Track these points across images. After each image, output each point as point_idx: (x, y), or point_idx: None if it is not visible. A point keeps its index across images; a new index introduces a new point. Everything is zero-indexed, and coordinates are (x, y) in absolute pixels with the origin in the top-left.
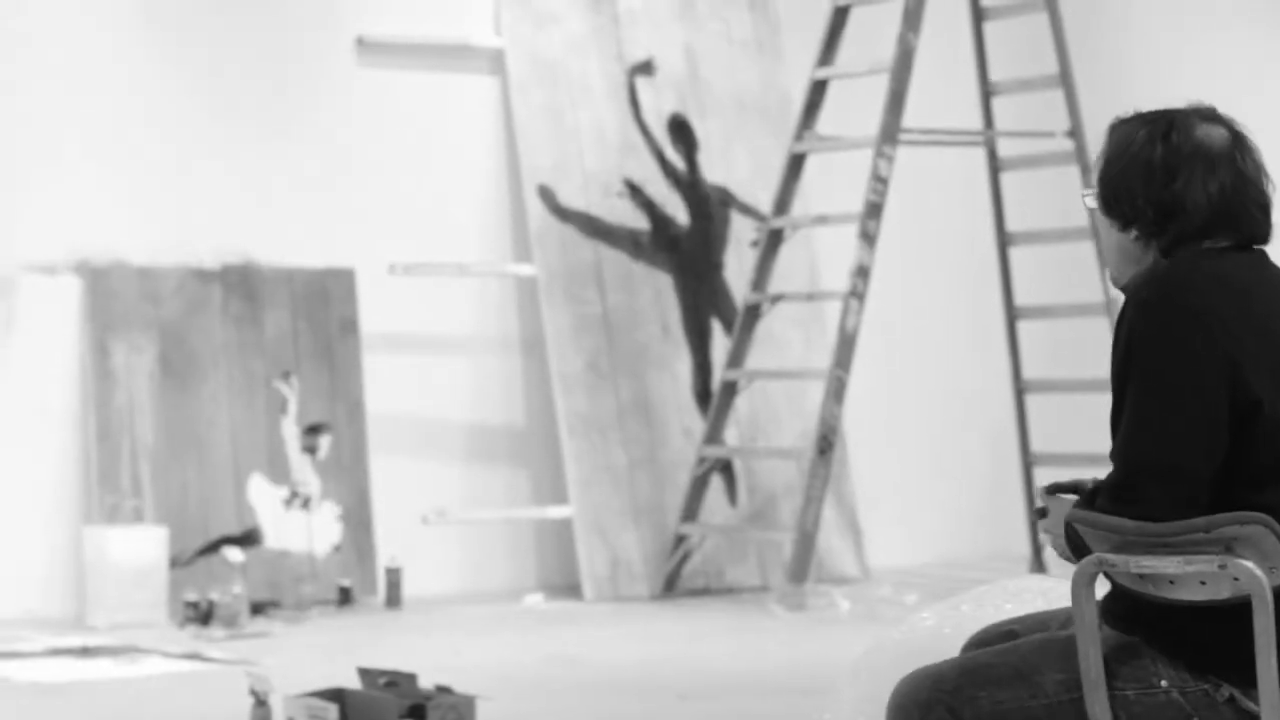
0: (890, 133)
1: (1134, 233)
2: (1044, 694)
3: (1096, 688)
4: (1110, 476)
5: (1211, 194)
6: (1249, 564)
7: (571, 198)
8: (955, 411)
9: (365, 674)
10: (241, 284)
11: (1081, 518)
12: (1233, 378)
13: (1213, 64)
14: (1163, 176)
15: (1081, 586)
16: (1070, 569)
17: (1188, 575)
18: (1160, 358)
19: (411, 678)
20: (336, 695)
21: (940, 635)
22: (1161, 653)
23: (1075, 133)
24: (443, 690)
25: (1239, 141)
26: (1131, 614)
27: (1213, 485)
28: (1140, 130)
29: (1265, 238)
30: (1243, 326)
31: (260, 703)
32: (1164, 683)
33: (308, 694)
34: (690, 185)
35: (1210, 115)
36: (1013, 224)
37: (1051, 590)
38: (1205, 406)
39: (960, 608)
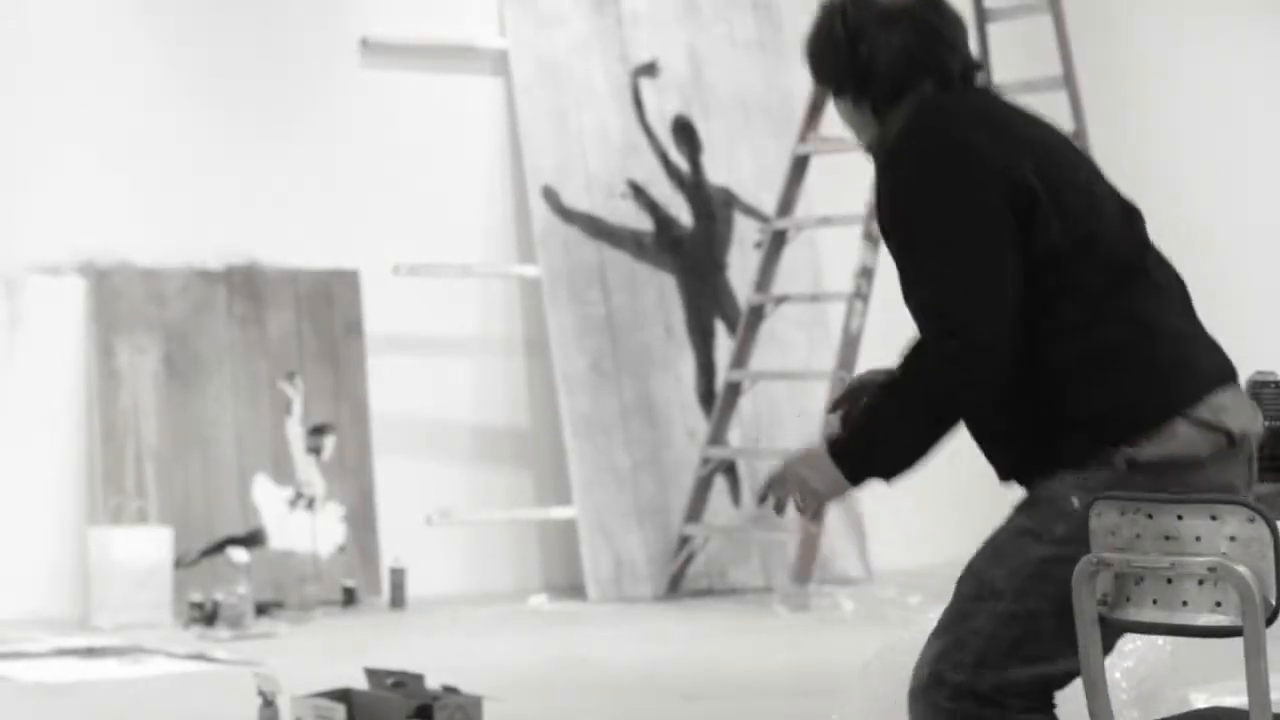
0: None
1: (850, 99)
2: (1001, 593)
3: (1096, 687)
4: (927, 332)
5: (895, 50)
6: (1241, 569)
7: (575, 199)
8: None
9: (372, 674)
10: (246, 285)
11: None
12: (1009, 188)
13: (1215, 65)
14: (848, 47)
15: (1081, 583)
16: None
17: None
18: (944, 195)
19: (419, 678)
20: (344, 696)
21: None
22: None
23: (1079, 134)
24: (450, 691)
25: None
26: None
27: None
28: (825, 11)
29: (969, 76)
30: (995, 140)
31: (268, 703)
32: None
33: (315, 694)
34: (694, 186)
35: None
36: None
37: None
38: (998, 229)
39: None
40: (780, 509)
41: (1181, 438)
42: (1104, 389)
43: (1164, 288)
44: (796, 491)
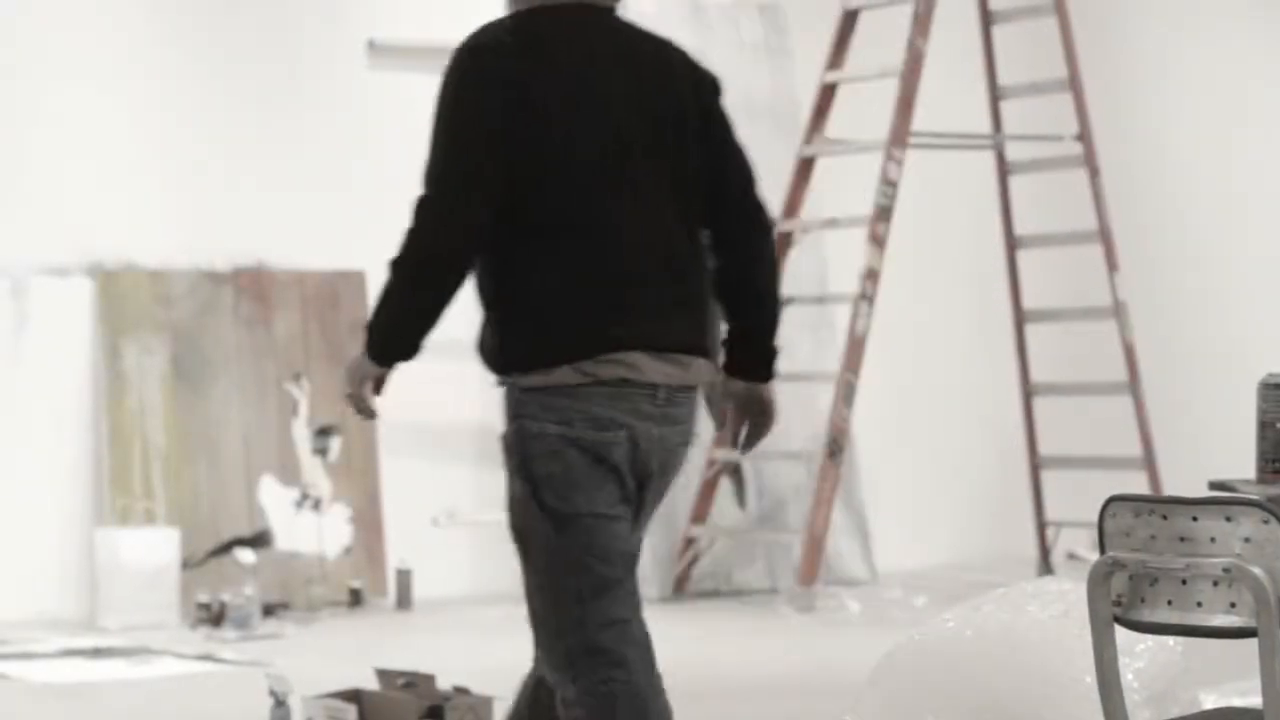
0: (900, 136)
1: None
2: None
3: (1111, 688)
4: (422, 195)
5: None
6: (1256, 570)
7: None
8: (963, 414)
9: (383, 675)
10: (253, 286)
11: None
12: (514, 129)
13: (1219, 67)
14: None
15: (1096, 583)
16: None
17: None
18: (461, 90)
19: (430, 678)
20: (354, 696)
21: (962, 637)
22: None
23: (1084, 136)
24: (461, 691)
25: None
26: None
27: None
28: None
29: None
30: (540, 74)
31: (280, 703)
32: None
33: (326, 695)
34: None
35: None
36: (1021, 227)
37: (1070, 593)
38: (476, 146)
39: (981, 609)
40: (359, 410)
41: (556, 375)
42: (531, 322)
43: (642, 252)
44: (348, 390)
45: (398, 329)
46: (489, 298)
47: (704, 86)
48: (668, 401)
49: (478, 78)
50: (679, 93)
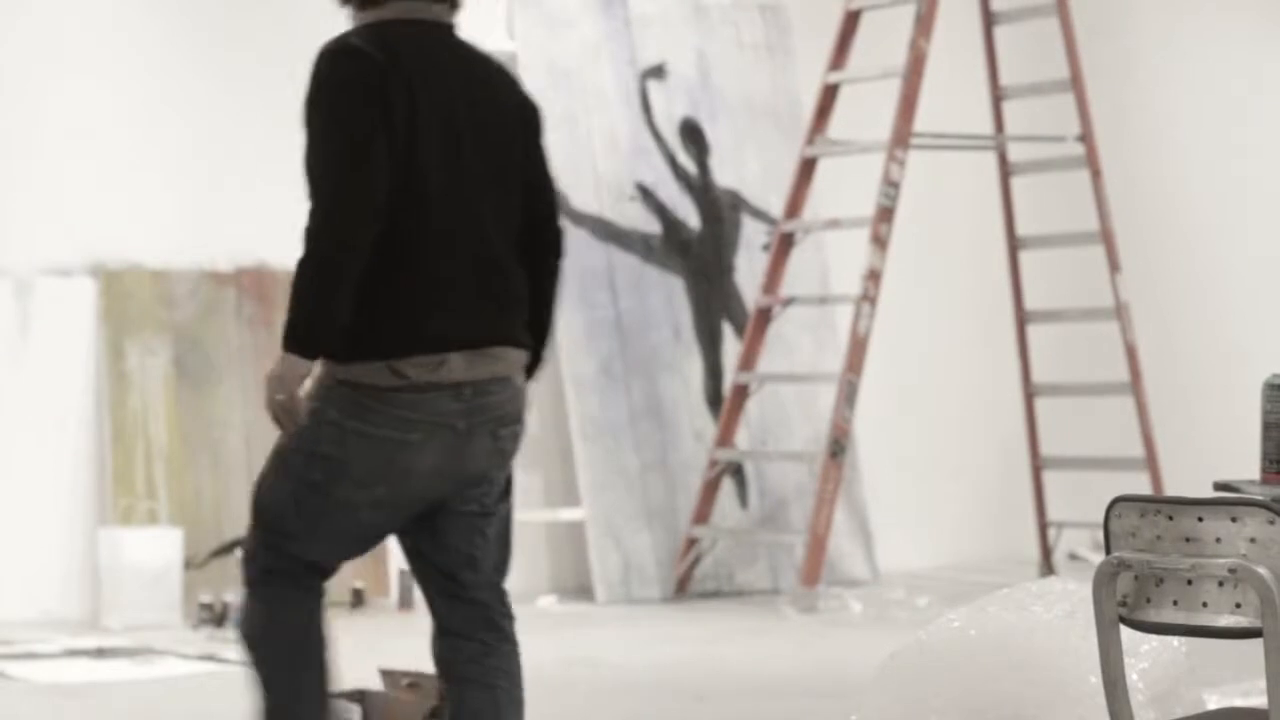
0: (902, 137)
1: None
2: None
3: (1116, 688)
4: (310, 220)
5: None
6: (1261, 570)
7: (584, 201)
8: (965, 415)
9: (388, 675)
10: (256, 287)
11: None
12: (390, 118)
13: (1221, 68)
14: None
15: (1102, 583)
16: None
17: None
18: (337, 100)
19: (434, 678)
20: (359, 696)
21: (966, 637)
22: None
23: (1086, 137)
24: None
25: None
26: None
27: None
28: None
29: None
30: (403, 81)
31: None
32: None
33: (331, 695)
34: (702, 189)
35: None
36: (1023, 228)
37: (1075, 593)
38: (362, 150)
39: (986, 609)
40: (289, 417)
41: (373, 372)
42: (360, 319)
43: (473, 263)
44: (280, 396)
45: (307, 325)
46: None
47: (529, 111)
48: (475, 395)
49: (343, 82)
50: (510, 112)
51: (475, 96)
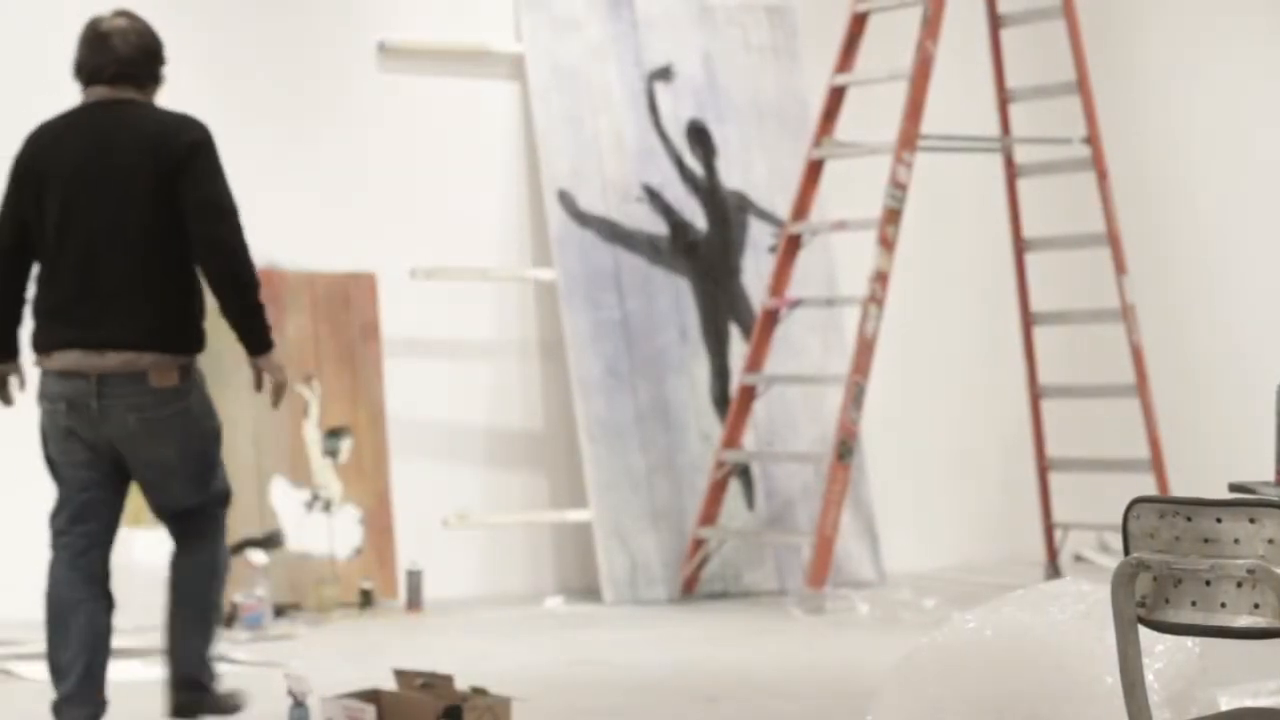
0: (909, 139)
1: None
2: None
3: (1135, 689)
4: None
5: (77, 62)
6: None
7: (591, 203)
8: (971, 416)
9: (401, 675)
10: (264, 288)
11: None
12: (35, 189)
13: (1227, 70)
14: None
15: (1120, 584)
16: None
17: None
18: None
19: (448, 679)
20: (373, 696)
21: (983, 637)
22: None
23: (1092, 139)
24: (478, 692)
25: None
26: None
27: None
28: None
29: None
30: (35, 157)
31: (299, 704)
32: None
33: (345, 695)
34: (708, 191)
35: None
36: (1029, 230)
37: (1090, 594)
38: (10, 205)
39: (1001, 610)
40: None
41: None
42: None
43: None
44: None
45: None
46: None
47: (171, 149)
48: (100, 384)
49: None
50: (141, 161)
51: (105, 152)
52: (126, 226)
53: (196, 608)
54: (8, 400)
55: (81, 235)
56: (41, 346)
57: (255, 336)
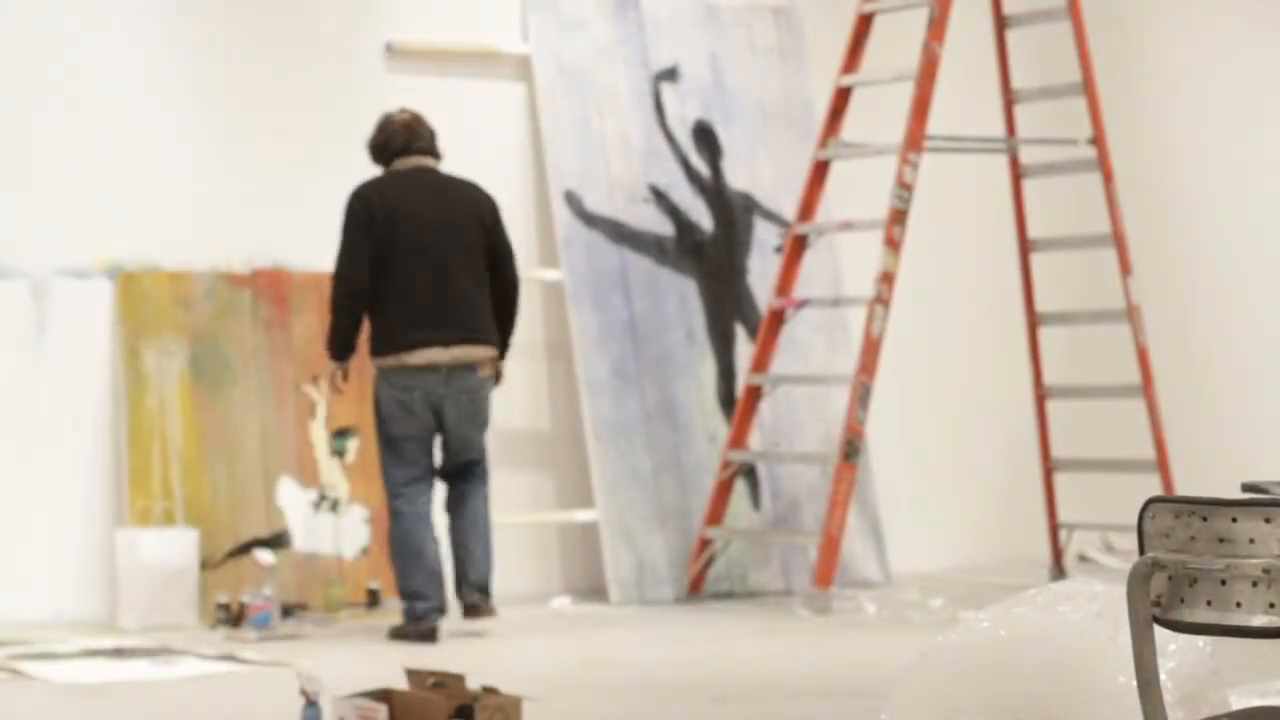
0: (914, 140)
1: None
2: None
3: (1150, 689)
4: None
5: (378, 143)
6: None
7: (598, 204)
8: (976, 417)
9: (413, 674)
10: (271, 288)
11: None
12: (373, 235)
13: (1232, 72)
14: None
15: (1136, 584)
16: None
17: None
18: (347, 216)
19: (459, 678)
20: (385, 695)
21: (997, 637)
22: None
23: (1098, 140)
24: (490, 691)
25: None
26: None
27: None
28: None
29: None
30: (385, 206)
31: (311, 703)
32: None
33: (357, 694)
34: (715, 191)
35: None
36: (1034, 230)
37: (1103, 594)
38: (358, 247)
39: (1014, 610)
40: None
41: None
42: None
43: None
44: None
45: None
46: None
47: (486, 208)
48: (450, 372)
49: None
50: (470, 212)
51: (447, 206)
52: (469, 259)
53: (486, 528)
54: (344, 380)
55: (432, 263)
56: (401, 347)
57: (509, 344)
